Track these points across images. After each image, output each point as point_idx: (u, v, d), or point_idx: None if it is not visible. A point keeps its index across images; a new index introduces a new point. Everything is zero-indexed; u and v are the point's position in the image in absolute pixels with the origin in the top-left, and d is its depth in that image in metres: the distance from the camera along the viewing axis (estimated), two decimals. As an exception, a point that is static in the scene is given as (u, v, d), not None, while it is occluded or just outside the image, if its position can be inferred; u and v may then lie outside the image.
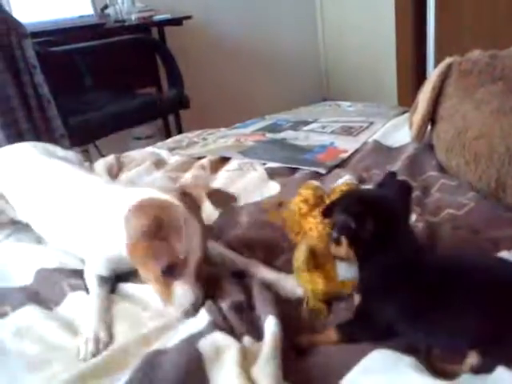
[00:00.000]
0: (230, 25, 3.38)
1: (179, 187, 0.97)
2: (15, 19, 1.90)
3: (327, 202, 0.94)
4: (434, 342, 0.70)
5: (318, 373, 0.70)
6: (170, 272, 0.82)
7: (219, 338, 0.76)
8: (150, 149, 1.70)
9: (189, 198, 0.87)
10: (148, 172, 1.47)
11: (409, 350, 0.69)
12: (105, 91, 2.49)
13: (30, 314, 0.89)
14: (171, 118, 3.04)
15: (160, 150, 1.66)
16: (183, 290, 0.82)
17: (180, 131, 2.99)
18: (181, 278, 0.82)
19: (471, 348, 0.64)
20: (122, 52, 2.78)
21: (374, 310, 0.72)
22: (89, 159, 2.33)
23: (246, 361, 0.72)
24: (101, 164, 1.57)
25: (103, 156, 2.13)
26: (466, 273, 0.68)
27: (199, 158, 1.57)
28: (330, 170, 1.41)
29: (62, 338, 0.83)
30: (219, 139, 1.71)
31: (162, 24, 2.92)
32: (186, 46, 3.01)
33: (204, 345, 0.75)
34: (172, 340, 0.78)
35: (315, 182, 1.17)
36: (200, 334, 0.78)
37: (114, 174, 1.50)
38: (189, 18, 2.93)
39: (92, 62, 2.43)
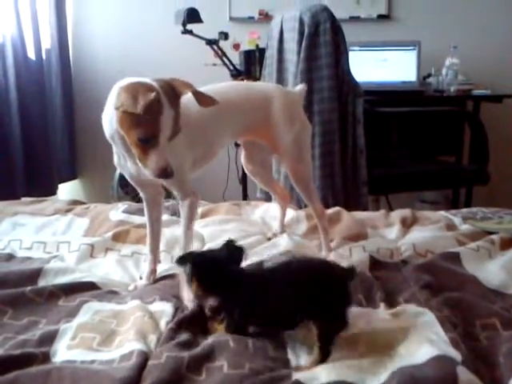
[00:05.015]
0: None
1: (167, 79, 1.11)
2: (356, 82, 2.25)
3: None
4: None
5: None
6: (146, 141, 1.06)
7: (472, 377, 0.83)
8: (442, 212, 1.80)
9: (170, 88, 1.08)
10: (439, 231, 1.59)
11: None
12: (407, 151, 2.69)
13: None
14: (462, 190, 3.05)
15: (453, 216, 1.75)
16: (155, 157, 1.07)
17: (468, 204, 2.97)
18: (155, 149, 1.07)
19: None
20: (433, 119, 2.96)
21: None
22: (378, 208, 2.57)
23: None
24: (397, 213, 1.76)
25: (391, 209, 2.33)
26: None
27: (490, 233, 1.60)
28: None
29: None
30: (516, 221, 1.70)
31: (479, 98, 2.99)
32: (499, 123, 2.99)
33: (463, 374, 0.82)
34: (418, 355, 0.89)
35: None
36: (454, 361, 0.86)
37: (407, 224, 1.67)
38: (509, 96, 2.92)
39: (404, 122, 2.67)
